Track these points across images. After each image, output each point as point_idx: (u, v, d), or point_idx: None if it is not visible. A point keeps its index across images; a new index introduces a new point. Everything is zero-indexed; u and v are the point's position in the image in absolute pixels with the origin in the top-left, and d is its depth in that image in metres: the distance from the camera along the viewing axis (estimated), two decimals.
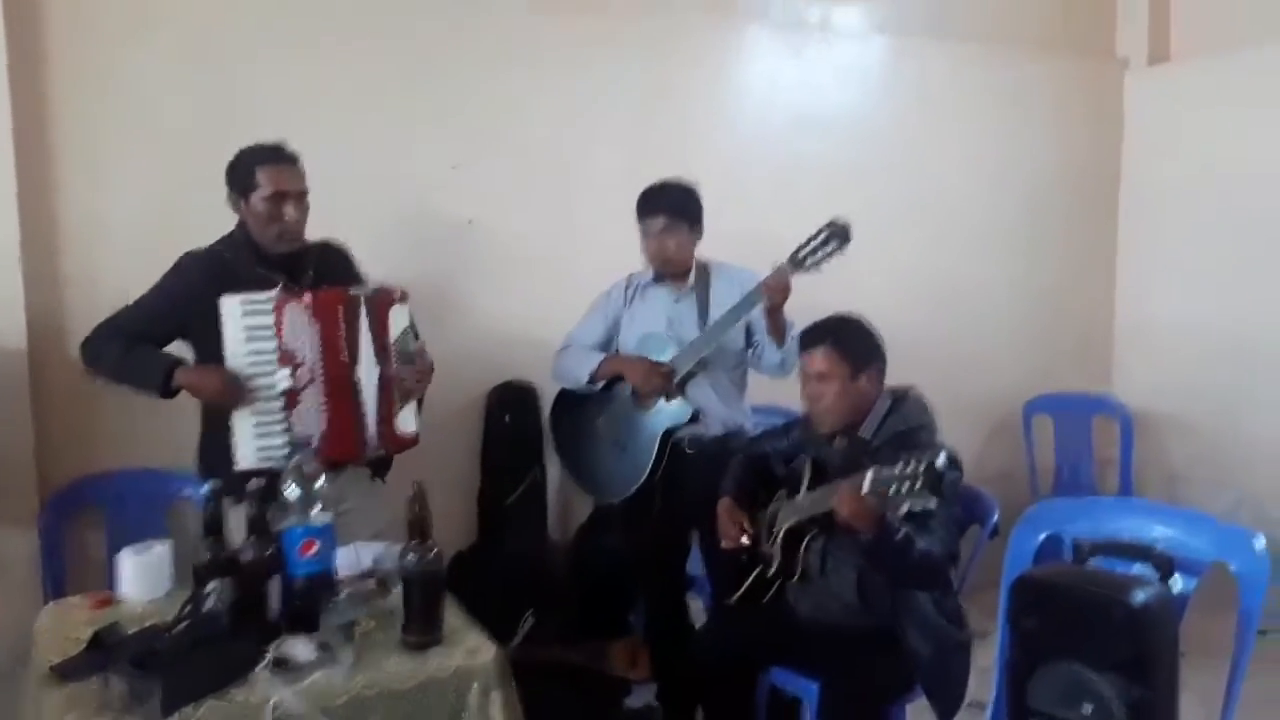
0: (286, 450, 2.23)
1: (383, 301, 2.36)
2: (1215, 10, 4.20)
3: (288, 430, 2.27)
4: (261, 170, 2.32)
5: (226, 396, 2.24)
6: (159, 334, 2.36)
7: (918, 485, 1.93)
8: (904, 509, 2.02)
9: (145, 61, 2.86)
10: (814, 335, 2.38)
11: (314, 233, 2.45)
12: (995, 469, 4.08)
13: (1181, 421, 4.33)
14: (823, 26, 3.91)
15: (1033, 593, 1.93)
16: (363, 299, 2.34)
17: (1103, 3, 4.51)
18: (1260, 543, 1.94)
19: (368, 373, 2.34)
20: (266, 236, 2.34)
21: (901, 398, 2.39)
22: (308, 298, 2.28)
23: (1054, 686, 1.85)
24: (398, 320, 2.37)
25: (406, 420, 2.40)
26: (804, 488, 2.37)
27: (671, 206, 2.80)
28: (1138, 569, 1.96)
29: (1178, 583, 1.93)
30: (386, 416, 2.37)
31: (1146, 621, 1.77)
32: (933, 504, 1.99)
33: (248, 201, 2.34)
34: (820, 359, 2.34)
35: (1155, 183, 4.40)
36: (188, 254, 2.39)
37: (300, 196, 2.35)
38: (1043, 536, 2.20)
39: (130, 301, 2.37)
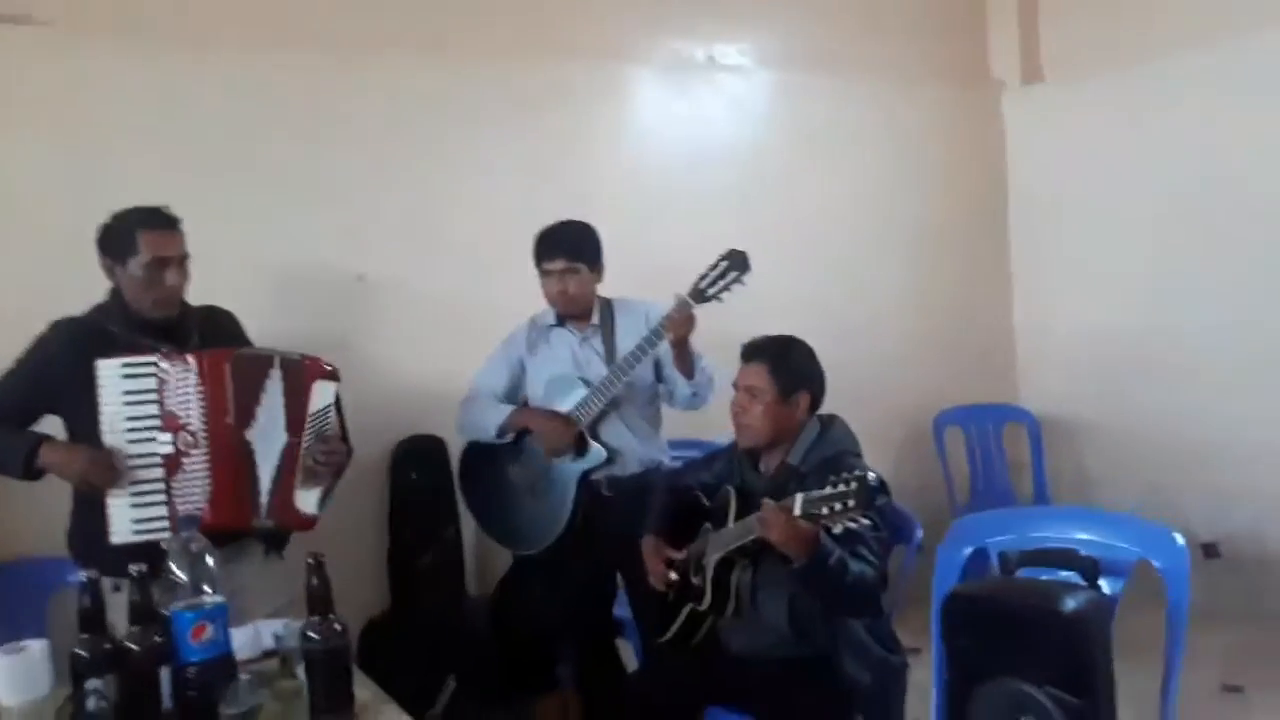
0: (165, 523, 2.08)
1: (310, 370, 2.25)
2: (1081, 33, 4.37)
3: (167, 501, 2.11)
4: (142, 235, 2.18)
5: (94, 477, 2.09)
6: (26, 410, 2.20)
7: (850, 503, 1.90)
8: (838, 528, 1.98)
9: (8, 140, 2.74)
10: (752, 350, 2.38)
11: (197, 298, 2.34)
12: (911, 484, 4.08)
13: (1088, 424, 4.45)
14: (708, 64, 3.95)
15: (964, 610, 1.92)
16: (279, 361, 2.23)
17: (975, 29, 4.67)
18: (1180, 538, 1.95)
19: (264, 436, 2.21)
20: (143, 303, 2.21)
21: (828, 424, 2.37)
22: (192, 358, 2.16)
23: (994, 704, 1.83)
24: (320, 395, 2.25)
25: (307, 500, 2.27)
26: (730, 518, 2.31)
27: (569, 248, 2.74)
28: (1064, 576, 1.95)
29: (1104, 586, 1.93)
30: (285, 488, 2.23)
31: (1079, 629, 1.77)
32: (867, 521, 1.96)
33: (124, 266, 2.20)
34: (752, 374, 2.33)
35: (1042, 197, 4.56)
36: (57, 322, 2.24)
37: (182, 261, 2.22)
38: (968, 551, 2.19)
39: None
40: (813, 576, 2.06)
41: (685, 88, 3.87)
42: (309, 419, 2.24)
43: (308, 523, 2.27)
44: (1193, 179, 3.97)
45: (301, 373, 2.24)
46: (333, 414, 2.30)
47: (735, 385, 2.38)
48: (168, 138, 2.93)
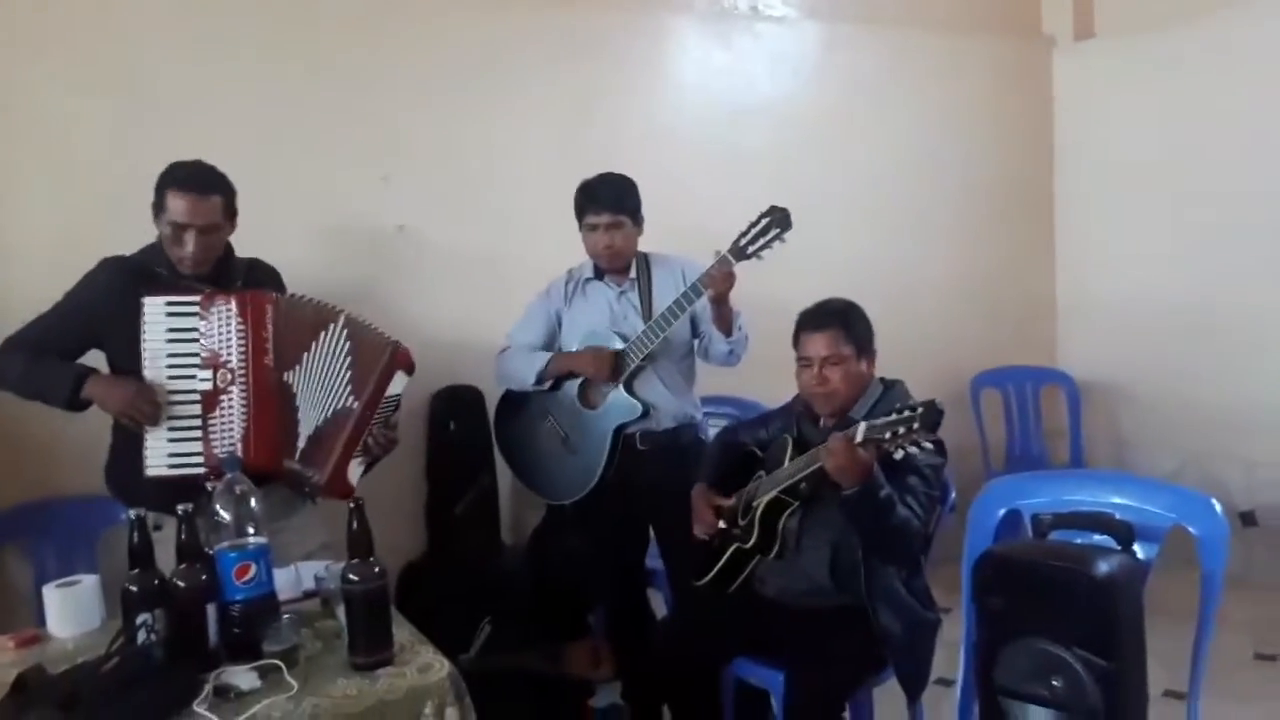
0: (200, 459, 2.13)
1: (402, 358, 2.26)
2: None
3: (203, 437, 2.15)
4: (170, 194, 2.19)
5: (136, 411, 2.12)
6: (71, 342, 2.25)
7: (915, 425, 1.91)
8: (899, 454, 1.99)
9: (48, 81, 2.76)
10: (819, 318, 2.34)
11: (242, 244, 2.36)
12: (947, 444, 4.08)
13: (1126, 390, 4.39)
14: (752, 14, 3.88)
15: (996, 570, 1.92)
16: (344, 319, 2.24)
17: None
18: (1218, 506, 1.94)
19: (312, 384, 2.22)
20: (173, 259, 2.24)
21: (891, 386, 2.37)
22: (235, 298, 2.19)
23: (1022, 663, 1.84)
24: (398, 384, 2.28)
25: (354, 472, 2.29)
26: (787, 461, 2.33)
27: (614, 201, 2.74)
28: (1098, 539, 1.94)
29: (1138, 551, 1.92)
30: (344, 455, 2.24)
31: (1111, 592, 1.76)
32: (930, 446, 1.98)
33: (158, 219, 2.23)
34: (827, 341, 2.30)
35: (1089, 157, 4.46)
36: (108, 258, 2.28)
37: (204, 231, 2.20)
38: (1001, 512, 2.18)
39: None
40: (861, 506, 2.09)
41: (727, 39, 3.80)
42: (384, 401, 2.28)
43: (349, 490, 2.30)
44: (1246, 142, 3.86)
45: (387, 351, 2.25)
46: (399, 403, 2.34)
47: (804, 359, 2.33)
48: (211, 90, 2.93)
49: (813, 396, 2.35)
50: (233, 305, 2.18)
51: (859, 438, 2.00)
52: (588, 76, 3.51)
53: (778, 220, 2.58)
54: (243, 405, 2.17)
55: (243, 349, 2.18)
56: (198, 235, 2.19)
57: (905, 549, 2.22)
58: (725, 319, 2.69)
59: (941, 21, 4.24)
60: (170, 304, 2.16)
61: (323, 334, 2.24)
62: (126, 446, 2.20)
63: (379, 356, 2.25)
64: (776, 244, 2.59)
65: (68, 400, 2.17)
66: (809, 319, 2.36)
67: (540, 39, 3.42)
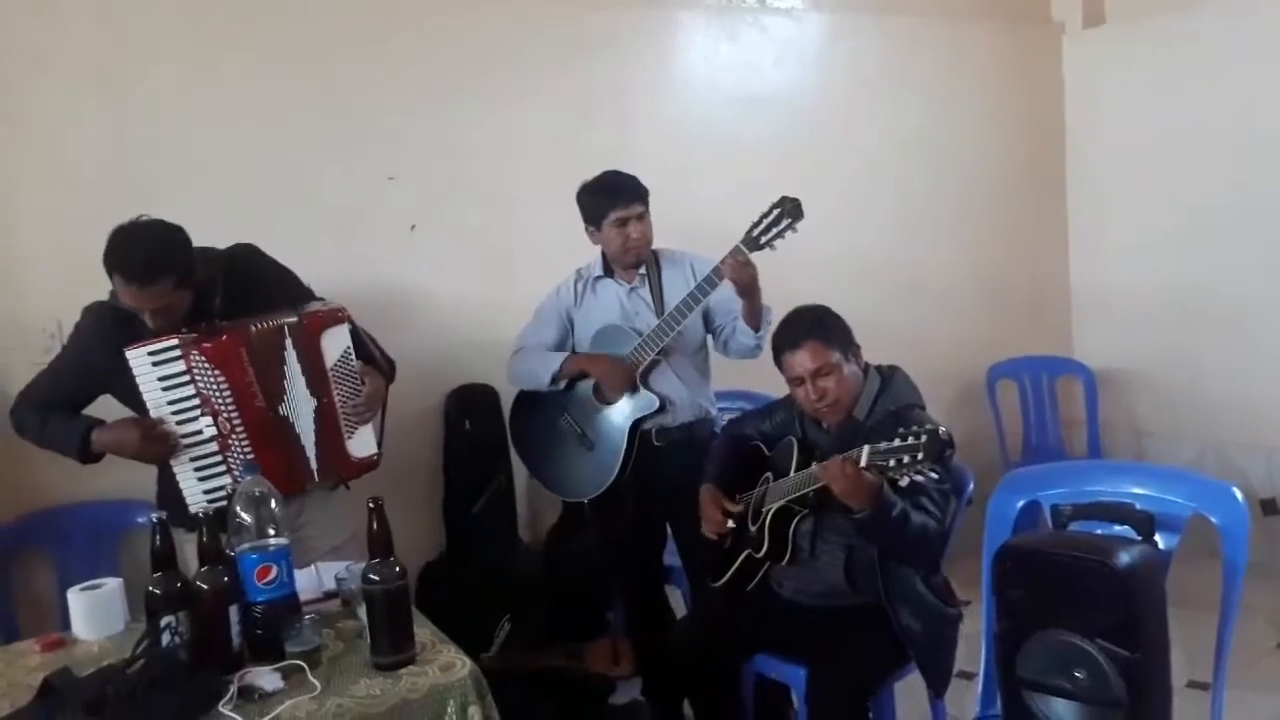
0: (232, 489, 2.11)
1: (311, 327, 2.23)
2: None
3: (227, 470, 2.18)
4: (114, 278, 2.07)
5: (148, 451, 2.15)
6: (80, 396, 2.26)
7: (919, 455, 1.90)
8: (904, 481, 1.98)
9: (49, 95, 2.76)
10: (794, 335, 2.30)
11: (256, 238, 2.36)
12: (962, 436, 4.03)
13: (1143, 379, 4.36)
14: (759, 7, 3.87)
15: (1016, 562, 1.91)
16: (286, 328, 2.20)
17: None
18: (1239, 494, 1.92)
19: (297, 406, 2.23)
20: None
21: (889, 375, 2.35)
22: (205, 353, 2.12)
23: (1044, 656, 1.83)
24: (335, 342, 2.25)
25: (364, 444, 2.31)
26: (793, 468, 2.32)
27: (638, 191, 2.74)
28: (1118, 530, 1.93)
29: (1159, 541, 1.91)
30: (334, 447, 2.27)
31: (1132, 583, 1.75)
32: (936, 474, 1.96)
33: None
34: (812, 354, 2.26)
35: (1100, 144, 4.43)
36: (88, 307, 2.27)
37: (156, 312, 2.10)
38: (1021, 504, 2.18)
39: (48, 363, 2.33)
40: (874, 528, 2.08)
41: (734, 32, 3.78)
42: (330, 373, 2.25)
43: (371, 463, 2.32)
44: (1259, 126, 3.82)
45: (306, 331, 2.23)
46: (353, 356, 2.28)
47: (794, 378, 2.30)
48: (215, 95, 2.92)
49: (815, 411, 2.33)
50: (206, 360, 2.13)
51: (863, 462, 1.98)
52: (595, 72, 3.50)
53: (789, 210, 2.57)
54: (245, 448, 2.18)
55: (230, 399, 2.16)
56: (152, 315, 2.12)
57: (926, 554, 2.21)
58: (755, 313, 2.67)
59: (949, 9, 4.21)
60: (152, 354, 2.13)
61: (284, 353, 2.22)
62: (171, 478, 2.22)
63: (306, 339, 2.22)
64: (789, 233, 2.58)
65: (79, 456, 2.20)
66: (784, 338, 2.32)
67: (546, 36, 3.41)
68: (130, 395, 2.18)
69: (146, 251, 2.05)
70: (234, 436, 2.17)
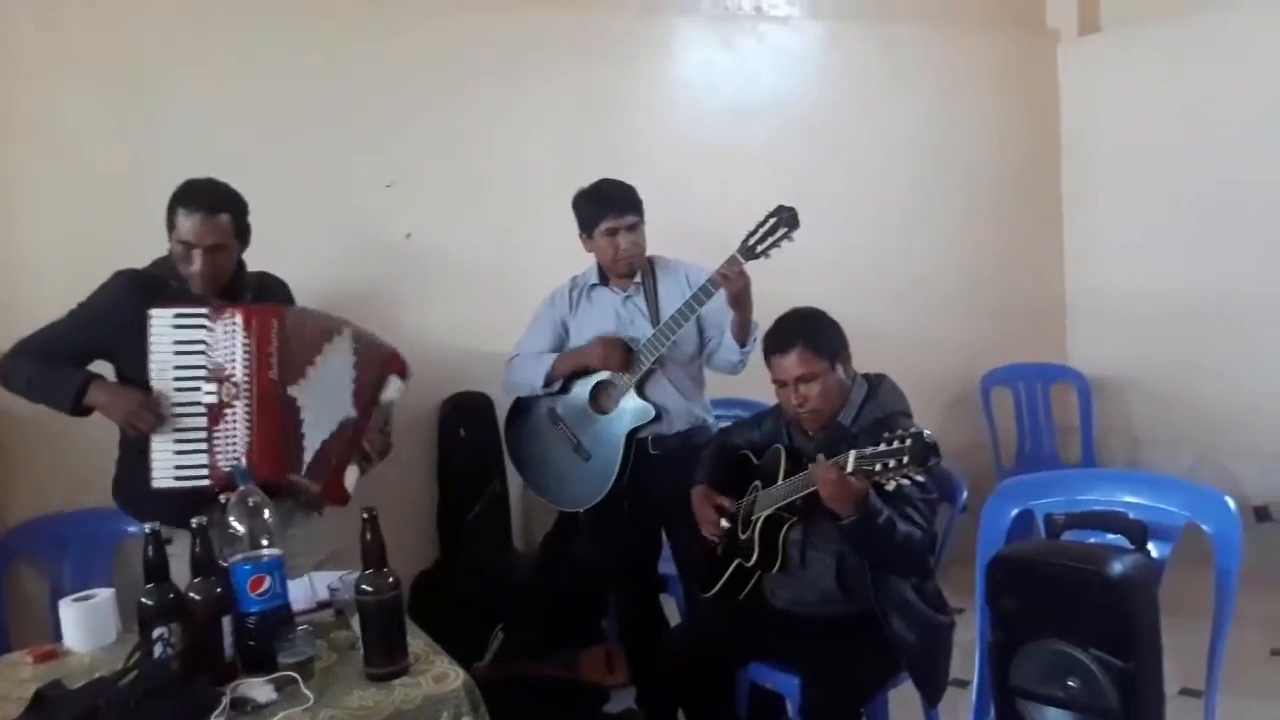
0: (205, 471, 2.14)
1: (394, 361, 2.36)
2: None
3: (208, 449, 2.16)
4: (178, 213, 2.20)
5: (138, 420, 2.14)
6: (81, 350, 2.26)
7: (905, 459, 1.90)
8: (890, 485, 1.98)
9: (65, 94, 2.76)
10: (782, 339, 2.30)
11: (249, 251, 2.36)
12: (956, 444, 4.06)
13: (1138, 386, 4.38)
14: (755, 14, 3.88)
15: (1009, 572, 1.91)
16: (351, 333, 2.30)
17: None
18: (1231, 503, 1.93)
19: (318, 397, 2.25)
20: (184, 277, 2.24)
21: (877, 384, 2.36)
22: (240, 312, 2.20)
23: (1037, 665, 1.83)
24: (394, 389, 2.36)
25: (350, 480, 2.32)
26: (780, 476, 2.32)
27: (633, 201, 2.75)
28: (1112, 539, 1.93)
29: (1152, 549, 1.92)
30: (336, 461, 2.28)
31: (1126, 592, 1.75)
32: (921, 481, 1.96)
33: (170, 235, 2.23)
34: (797, 361, 2.26)
35: (1095, 151, 4.45)
36: (122, 270, 2.29)
37: (212, 250, 2.20)
38: (1014, 512, 2.18)
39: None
40: (860, 534, 2.08)
41: (731, 40, 3.79)
42: (380, 406, 2.32)
43: (345, 498, 2.32)
44: (1253, 134, 3.84)
45: (385, 359, 2.33)
46: (396, 411, 2.38)
47: (779, 381, 2.32)
48: (219, 99, 2.93)
49: (798, 416, 2.34)
50: (239, 319, 2.19)
51: (849, 467, 1.99)
52: (593, 80, 3.50)
53: (785, 219, 2.58)
54: (246, 419, 2.18)
55: (247, 363, 2.19)
56: (205, 254, 2.20)
57: (914, 563, 2.21)
58: (745, 325, 2.67)
59: (945, 17, 4.23)
60: (178, 315, 2.17)
61: (327, 346, 2.27)
62: (134, 460, 2.21)
63: (376, 364, 2.31)
64: (785, 243, 2.58)
65: (72, 405, 2.18)
66: (773, 341, 2.33)
67: (544, 43, 3.41)
68: (132, 359, 2.18)
69: (211, 186, 2.24)
70: (230, 409, 2.17)
